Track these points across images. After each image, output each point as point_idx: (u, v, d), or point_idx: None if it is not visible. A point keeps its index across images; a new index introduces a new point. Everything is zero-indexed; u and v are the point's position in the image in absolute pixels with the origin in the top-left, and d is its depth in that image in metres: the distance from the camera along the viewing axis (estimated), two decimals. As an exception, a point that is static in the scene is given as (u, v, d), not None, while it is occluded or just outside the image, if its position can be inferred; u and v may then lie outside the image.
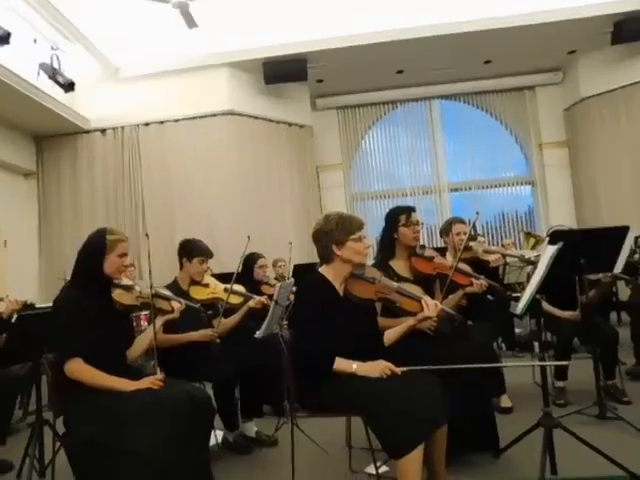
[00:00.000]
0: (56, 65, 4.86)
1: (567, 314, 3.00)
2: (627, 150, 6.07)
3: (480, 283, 2.37)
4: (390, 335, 1.98)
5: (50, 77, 4.82)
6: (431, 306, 1.91)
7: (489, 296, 2.87)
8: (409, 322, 1.96)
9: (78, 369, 1.77)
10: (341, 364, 1.79)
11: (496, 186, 7.05)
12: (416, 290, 2.04)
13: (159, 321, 2.07)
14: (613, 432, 2.37)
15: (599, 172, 6.26)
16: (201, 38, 5.35)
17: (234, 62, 5.78)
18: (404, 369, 1.77)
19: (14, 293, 2.96)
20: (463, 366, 1.84)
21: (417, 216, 2.36)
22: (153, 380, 1.78)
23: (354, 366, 1.78)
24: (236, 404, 2.60)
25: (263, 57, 5.70)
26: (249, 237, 2.88)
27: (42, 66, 4.78)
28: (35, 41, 4.71)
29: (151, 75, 5.77)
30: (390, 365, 1.77)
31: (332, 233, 1.88)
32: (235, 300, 2.81)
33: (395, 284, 1.98)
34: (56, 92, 5.04)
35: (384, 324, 2.06)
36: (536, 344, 3.29)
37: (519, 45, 5.88)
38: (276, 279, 4.16)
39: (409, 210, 2.36)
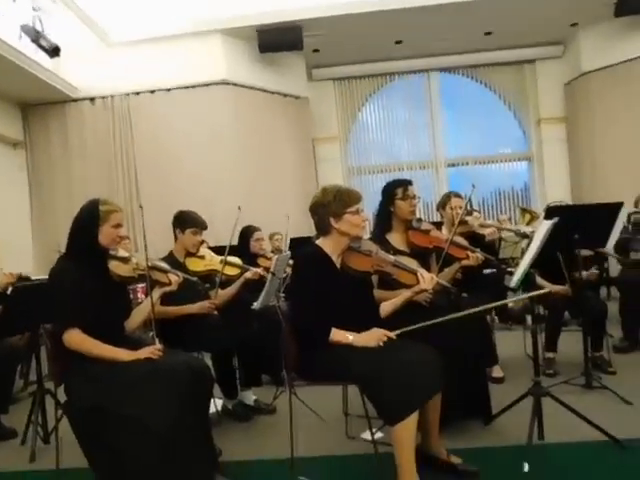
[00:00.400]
0: (39, 28, 4.61)
1: (557, 288, 3.05)
2: (626, 127, 6.02)
3: (476, 256, 2.39)
4: (386, 307, 2.01)
5: (33, 40, 4.57)
6: (427, 279, 1.93)
7: (487, 270, 2.90)
8: (405, 294, 1.98)
9: (76, 340, 1.78)
10: (337, 335, 1.82)
11: (493, 161, 7.02)
12: (412, 263, 2.06)
13: (156, 293, 2.07)
14: (598, 400, 2.47)
15: (597, 148, 6.23)
16: (194, 3, 5.14)
17: (228, 29, 5.58)
18: (399, 332, 1.82)
19: (7, 266, 2.95)
20: (457, 315, 1.89)
21: (414, 189, 2.36)
22: (152, 350, 1.80)
23: (350, 337, 1.81)
24: (234, 373, 2.65)
25: (257, 24, 5.50)
26: (240, 207, 2.86)
27: (24, 28, 4.50)
28: (14, 0, 4.44)
29: (141, 41, 5.55)
30: (385, 332, 1.80)
31: (329, 205, 1.88)
32: (231, 272, 2.82)
33: (391, 257, 2.00)
34: (41, 58, 4.83)
35: (380, 296, 2.09)
36: (528, 317, 3.37)
37: (520, 16, 5.73)
38: (272, 252, 4.17)
39: (406, 183, 2.35)
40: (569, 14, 5.85)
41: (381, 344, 1.77)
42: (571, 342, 3.04)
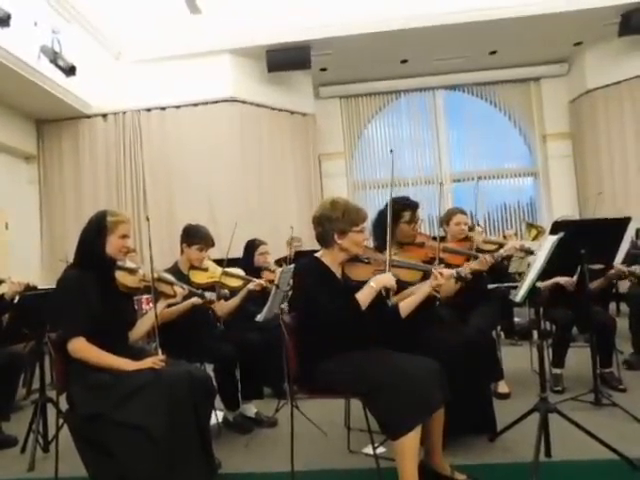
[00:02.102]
0: (57, 49, 4.80)
1: (564, 280, 2.93)
2: (631, 143, 6.05)
3: (483, 259, 2.35)
4: (405, 306, 1.93)
5: (51, 61, 4.76)
6: (445, 275, 1.90)
7: (492, 285, 2.85)
8: (424, 289, 1.92)
9: (81, 348, 1.79)
10: (363, 297, 1.78)
11: (498, 177, 7.03)
12: (412, 258, 2.05)
13: (161, 304, 2.09)
14: (608, 418, 2.40)
15: (603, 164, 6.25)
16: (204, 24, 5.30)
17: (237, 49, 5.73)
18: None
19: (16, 275, 2.97)
20: None
21: (420, 213, 2.34)
22: (155, 360, 1.80)
23: (372, 284, 1.79)
24: (236, 384, 2.63)
25: (266, 44, 5.64)
26: (237, 223, 2.92)
27: (43, 49, 4.71)
28: (36, 24, 4.64)
29: (153, 60, 5.72)
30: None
31: (337, 221, 1.87)
32: (234, 283, 2.83)
33: (390, 257, 1.95)
34: (57, 76, 5.00)
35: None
36: (535, 332, 3.31)
37: (525, 36, 5.82)
38: (285, 258, 4.13)
39: (414, 208, 2.32)
40: (573, 34, 5.94)
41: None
42: (579, 358, 2.99)
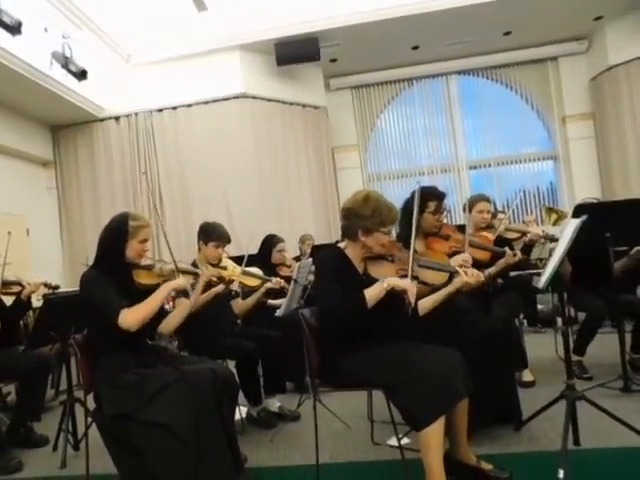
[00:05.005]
0: (68, 54, 4.87)
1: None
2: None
3: (514, 253, 2.30)
4: (426, 303, 1.91)
5: (63, 66, 4.84)
6: (475, 274, 1.84)
7: (513, 272, 2.79)
8: (448, 288, 1.88)
9: (130, 317, 1.79)
10: (371, 292, 1.71)
11: (516, 162, 6.85)
12: (436, 251, 2.00)
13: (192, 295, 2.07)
14: (638, 404, 2.33)
15: (628, 143, 6.00)
16: (211, 21, 5.30)
17: (245, 44, 5.71)
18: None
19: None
20: None
21: (446, 204, 2.30)
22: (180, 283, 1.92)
23: (384, 284, 1.70)
24: (258, 380, 2.66)
25: (274, 38, 5.60)
26: (251, 239, 2.94)
27: (54, 55, 4.79)
28: (46, 30, 4.72)
29: (162, 61, 5.75)
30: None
31: (365, 219, 1.82)
32: (252, 282, 2.84)
33: (416, 257, 1.90)
34: (69, 81, 5.07)
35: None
36: (559, 319, 3.24)
37: (541, 14, 5.61)
38: (302, 256, 4.12)
39: (441, 198, 2.27)
40: (592, 8, 5.68)
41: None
42: (606, 344, 2.90)
